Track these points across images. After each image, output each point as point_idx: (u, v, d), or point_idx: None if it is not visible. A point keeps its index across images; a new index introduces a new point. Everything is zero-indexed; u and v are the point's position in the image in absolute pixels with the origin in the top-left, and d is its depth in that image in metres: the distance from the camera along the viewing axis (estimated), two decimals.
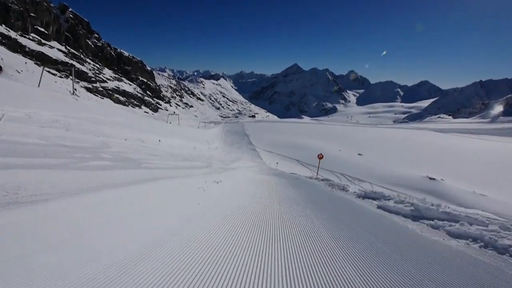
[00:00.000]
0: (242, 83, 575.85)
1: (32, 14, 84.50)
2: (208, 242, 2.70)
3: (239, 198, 5.29)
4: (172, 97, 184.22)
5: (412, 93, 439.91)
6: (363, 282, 2.36)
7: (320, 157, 22.04)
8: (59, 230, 2.08)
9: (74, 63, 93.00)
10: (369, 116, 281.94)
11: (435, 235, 3.92)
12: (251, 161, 34.21)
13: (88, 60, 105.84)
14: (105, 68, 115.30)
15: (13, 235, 1.85)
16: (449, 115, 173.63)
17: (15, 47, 73.11)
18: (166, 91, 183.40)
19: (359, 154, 42.63)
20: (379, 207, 6.05)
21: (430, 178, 30.11)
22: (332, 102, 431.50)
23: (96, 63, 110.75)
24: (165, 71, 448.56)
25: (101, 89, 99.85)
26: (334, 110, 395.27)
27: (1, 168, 3.25)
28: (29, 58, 73.43)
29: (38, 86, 24.67)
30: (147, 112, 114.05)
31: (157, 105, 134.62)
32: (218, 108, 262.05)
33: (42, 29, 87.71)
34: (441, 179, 29.80)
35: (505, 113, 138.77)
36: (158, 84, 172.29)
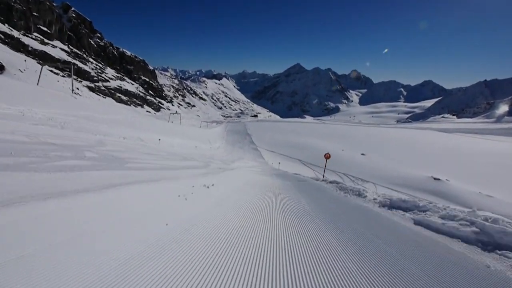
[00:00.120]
0: (245, 83, 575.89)
1: (35, 14, 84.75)
2: None
3: (227, 213, 3.81)
4: (175, 96, 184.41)
5: (415, 93, 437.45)
6: None
7: (327, 156, 19.76)
8: None
9: (77, 62, 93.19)
10: (372, 116, 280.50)
11: None
12: (253, 161, 33.90)
13: (91, 60, 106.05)
14: (108, 67, 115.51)
15: None
16: (453, 115, 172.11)
17: (18, 46, 73.33)
18: (169, 91, 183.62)
19: (362, 154, 42.15)
20: (417, 222, 4.39)
21: (435, 179, 29.61)
22: (335, 101, 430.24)
23: (99, 62, 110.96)
24: (167, 71, 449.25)
25: (103, 88, 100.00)
26: (336, 109, 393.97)
27: None
28: (31, 57, 73.57)
29: (37, 84, 24.51)
30: (149, 112, 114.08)
31: (159, 104, 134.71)
32: (221, 108, 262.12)
33: (45, 29, 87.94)
34: (446, 180, 29.28)
35: (510, 113, 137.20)
36: (160, 83, 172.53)
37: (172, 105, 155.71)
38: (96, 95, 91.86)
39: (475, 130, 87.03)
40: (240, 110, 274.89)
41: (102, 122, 14.71)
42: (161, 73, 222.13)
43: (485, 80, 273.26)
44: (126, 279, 1.68)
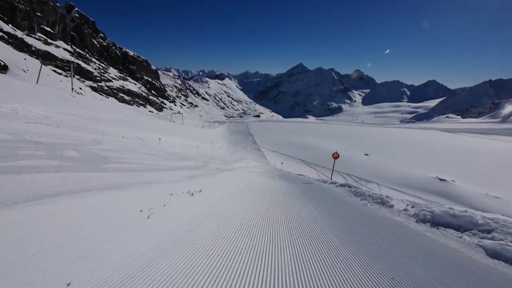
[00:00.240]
0: (247, 83, 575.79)
1: (38, 14, 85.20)
2: None
3: (202, 244, 2.42)
4: (177, 96, 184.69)
5: (419, 93, 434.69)
6: None
7: (335, 156, 17.86)
8: None
9: (80, 62, 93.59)
10: (375, 116, 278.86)
11: None
12: (255, 161, 33.61)
13: (94, 60, 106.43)
14: (110, 67, 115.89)
15: None
16: (458, 115, 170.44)
17: (22, 46, 73.70)
18: (171, 91, 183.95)
19: (365, 154, 41.67)
20: (493, 254, 2.83)
21: (440, 179, 29.13)
22: (338, 101, 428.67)
23: (102, 62, 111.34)
24: (170, 71, 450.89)
25: (106, 88, 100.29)
26: (339, 109, 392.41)
27: None
28: (35, 58, 73.87)
29: (37, 82, 24.38)
30: (151, 112, 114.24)
31: (162, 104, 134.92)
32: (223, 108, 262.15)
33: (48, 29, 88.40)
34: (452, 180, 28.79)
35: None
36: (163, 83, 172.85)
37: (175, 105, 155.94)
38: (99, 95, 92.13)
39: (480, 130, 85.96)
40: (243, 110, 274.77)
41: (101, 121, 14.47)
42: (164, 73, 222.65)
43: (490, 80, 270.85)
44: None
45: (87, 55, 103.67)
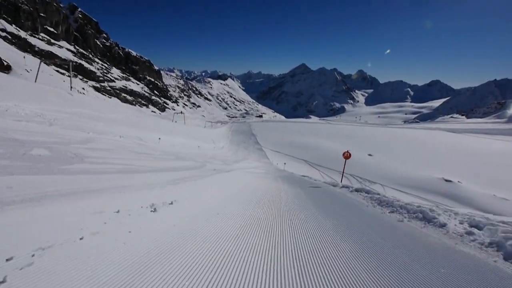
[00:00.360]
0: (250, 83, 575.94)
1: (42, 14, 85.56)
2: None
3: None
4: (180, 97, 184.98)
5: (422, 93, 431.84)
6: None
7: (346, 156, 15.07)
8: None
9: (83, 62, 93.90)
10: (378, 116, 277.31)
11: None
12: (257, 161, 33.26)
13: (97, 60, 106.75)
14: (113, 67, 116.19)
15: None
16: (462, 115, 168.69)
17: (25, 46, 73.94)
18: (174, 91, 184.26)
19: (369, 155, 41.11)
20: None
21: (446, 180, 28.56)
22: (340, 102, 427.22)
23: (104, 62, 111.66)
24: (173, 72, 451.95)
25: (109, 88, 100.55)
26: (342, 110, 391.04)
27: None
28: (38, 58, 74.13)
29: (35, 81, 24.23)
30: (154, 112, 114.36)
31: (164, 104, 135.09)
32: (226, 108, 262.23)
33: (52, 29, 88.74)
34: (458, 181, 28.22)
35: None
36: (166, 84, 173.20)
37: (177, 105, 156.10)
38: (102, 95, 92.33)
39: (486, 131, 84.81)
40: (245, 110, 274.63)
41: (100, 120, 14.18)
42: (167, 74, 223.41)
43: (495, 79, 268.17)
44: None
45: (90, 55, 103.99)
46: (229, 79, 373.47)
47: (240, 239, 2.72)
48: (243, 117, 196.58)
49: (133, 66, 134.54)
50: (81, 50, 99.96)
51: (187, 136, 32.01)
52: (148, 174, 5.66)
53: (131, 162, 6.40)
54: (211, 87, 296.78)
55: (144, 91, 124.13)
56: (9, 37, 71.38)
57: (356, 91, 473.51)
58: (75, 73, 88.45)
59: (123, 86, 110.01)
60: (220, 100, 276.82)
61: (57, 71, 77.61)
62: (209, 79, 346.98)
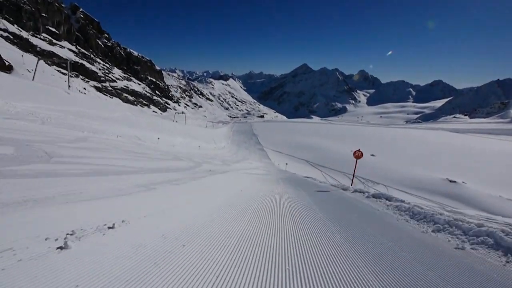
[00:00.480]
0: (251, 84, 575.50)
1: (44, 14, 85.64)
2: None
3: None
4: (182, 97, 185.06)
5: (425, 93, 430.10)
6: None
7: (358, 155, 13.24)
8: None
9: (84, 62, 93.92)
10: (380, 116, 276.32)
11: None
12: (258, 161, 32.95)
13: (98, 60, 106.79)
14: (115, 67, 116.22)
15: None
16: (465, 115, 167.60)
17: (27, 46, 73.94)
18: (176, 92, 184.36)
19: (372, 155, 40.63)
20: None
21: (451, 181, 28.08)
22: (342, 102, 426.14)
23: (106, 62, 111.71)
24: (175, 72, 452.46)
25: (110, 88, 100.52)
26: (344, 110, 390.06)
27: None
28: (39, 58, 74.14)
29: (33, 79, 23.99)
30: (155, 112, 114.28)
31: (166, 104, 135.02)
32: (227, 108, 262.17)
33: (53, 29, 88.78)
34: (463, 182, 27.73)
35: None
36: (167, 84, 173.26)
37: (179, 105, 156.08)
38: (103, 95, 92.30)
39: (489, 131, 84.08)
40: (247, 110, 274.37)
41: (96, 119, 13.90)
42: (169, 74, 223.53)
43: (498, 79, 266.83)
44: None
45: (92, 56, 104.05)
46: (231, 80, 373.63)
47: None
48: (245, 117, 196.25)
49: (134, 66, 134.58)
50: (83, 50, 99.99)
51: (188, 136, 31.74)
52: (125, 176, 4.80)
53: (114, 162, 5.68)
54: (212, 88, 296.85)
55: (146, 91, 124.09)
56: (11, 37, 71.43)
57: (358, 91, 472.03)
58: (77, 73, 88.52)
59: (125, 86, 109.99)
60: (221, 101, 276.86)
61: (59, 71, 77.60)
62: (211, 79, 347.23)
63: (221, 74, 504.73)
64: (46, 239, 1.81)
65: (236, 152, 40.45)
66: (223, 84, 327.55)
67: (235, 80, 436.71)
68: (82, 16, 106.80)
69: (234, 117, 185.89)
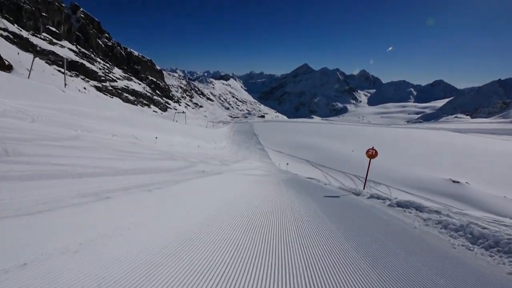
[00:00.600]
0: (252, 84, 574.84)
1: (44, 14, 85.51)
2: None
3: None
4: (182, 97, 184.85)
5: (426, 93, 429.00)
6: None
7: (371, 154, 11.30)
8: None
9: (85, 62, 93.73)
10: (381, 116, 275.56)
11: None
12: (259, 161, 32.59)
13: (98, 60, 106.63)
14: (115, 67, 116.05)
15: None
16: (467, 115, 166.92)
17: (27, 46, 73.79)
18: (177, 91, 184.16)
19: None
20: None
21: (454, 181, 27.68)
22: (343, 102, 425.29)
23: (106, 62, 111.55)
24: (176, 72, 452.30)
25: (110, 88, 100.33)
26: (344, 110, 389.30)
27: None
28: (39, 57, 73.95)
29: (28, 77, 23.72)
30: (156, 112, 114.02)
31: (166, 104, 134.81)
32: (228, 108, 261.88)
33: (54, 29, 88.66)
34: (466, 182, 27.33)
35: None
36: (168, 84, 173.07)
37: (180, 105, 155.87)
38: (104, 94, 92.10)
39: (491, 130, 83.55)
40: (247, 110, 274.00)
41: (92, 117, 13.58)
42: (170, 74, 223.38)
43: (499, 79, 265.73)
44: None
45: (92, 55, 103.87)
46: (232, 80, 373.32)
47: None
48: (245, 117, 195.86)
49: (135, 66, 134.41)
50: (83, 50, 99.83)
51: (187, 136, 31.42)
52: (85, 179, 3.81)
53: (89, 162, 4.76)
54: (213, 88, 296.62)
55: (146, 91, 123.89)
56: (11, 36, 71.29)
57: (359, 91, 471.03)
58: (77, 73, 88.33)
59: (125, 86, 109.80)
60: (222, 100, 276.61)
61: (59, 70, 77.43)
62: (212, 79, 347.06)
63: (222, 74, 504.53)
64: None
65: (237, 152, 40.12)
66: (223, 84, 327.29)
67: (235, 80, 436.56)
68: (82, 15, 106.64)
69: (235, 117, 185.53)
